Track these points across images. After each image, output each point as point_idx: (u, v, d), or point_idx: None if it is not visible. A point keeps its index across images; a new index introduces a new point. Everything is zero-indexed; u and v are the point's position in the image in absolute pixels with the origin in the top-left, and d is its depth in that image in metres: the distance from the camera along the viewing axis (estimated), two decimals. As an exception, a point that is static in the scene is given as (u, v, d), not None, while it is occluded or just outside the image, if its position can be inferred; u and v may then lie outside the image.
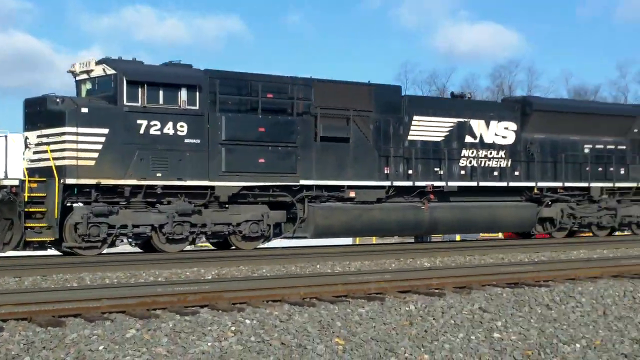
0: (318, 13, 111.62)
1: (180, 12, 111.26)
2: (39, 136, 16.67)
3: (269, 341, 7.83)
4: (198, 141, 17.30)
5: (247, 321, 8.39)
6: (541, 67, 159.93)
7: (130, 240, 17.89)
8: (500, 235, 28.45)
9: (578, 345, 9.00)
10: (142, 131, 16.67)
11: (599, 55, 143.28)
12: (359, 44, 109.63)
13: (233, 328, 8.09)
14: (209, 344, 7.53)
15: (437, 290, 10.57)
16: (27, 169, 16.31)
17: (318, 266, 14.41)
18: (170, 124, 16.93)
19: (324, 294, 9.98)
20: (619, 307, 10.62)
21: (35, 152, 16.66)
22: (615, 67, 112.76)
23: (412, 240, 24.12)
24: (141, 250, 18.64)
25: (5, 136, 16.41)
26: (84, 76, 17.57)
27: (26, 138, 16.84)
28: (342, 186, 19.20)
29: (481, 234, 29.73)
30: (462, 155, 21.21)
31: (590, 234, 24.19)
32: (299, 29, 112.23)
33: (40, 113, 16.72)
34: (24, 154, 16.64)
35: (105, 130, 16.36)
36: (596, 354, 8.81)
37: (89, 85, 17.56)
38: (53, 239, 16.08)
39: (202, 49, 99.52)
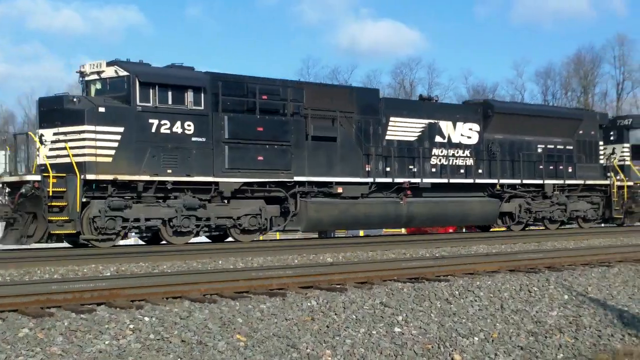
0: (218, 7, 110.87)
1: (76, 2, 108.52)
2: (55, 134, 17.38)
3: (169, 339, 7.70)
4: (203, 139, 18.45)
5: (146, 318, 8.23)
6: (442, 65, 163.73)
7: (137, 233, 19.25)
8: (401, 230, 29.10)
9: (476, 339, 9.24)
10: (153, 130, 17.76)
11: (497, 54, 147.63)
12: (261, 39, 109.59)
13: (131, 326, 7.92)
14: (106, 342, 7.35)
15: (339, 286, 10.62)
16: (42, 164, 17.12)
17: (220, 262, 14.27)
18: (178, 123, 18.06)
19: (225, 290, 9.88)
20: (515, 300, 10.96)
21: (51, 149, 17.34)
22: (512, 66, 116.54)
23: (316, 236, 24.25)
24: (143, 244, 19.92)
25: (27, 134, 17.68)
26: (94, 77, 18.30)
27: (41, 135, 17.48)
28: (331, 182, 20.65)
29: (384, 230, 31.08)
30: (433, 153, 23.02)
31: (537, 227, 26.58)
32: (199, 22, 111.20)
33: (57, 111, 17.46)
34: (38, 150, 17.47)
35: (121, 129, 17.40)
36: (493, 347, 9.08)
37: (98, 86, 18.32)
38: (74, 231, 16.86)
39: (99, 41, 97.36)
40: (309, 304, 9.55)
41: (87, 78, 18.49)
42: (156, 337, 7.69)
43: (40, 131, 17.63)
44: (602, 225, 29.32)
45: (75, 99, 17.34)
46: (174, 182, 18.03)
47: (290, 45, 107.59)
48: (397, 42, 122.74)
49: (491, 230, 26.52)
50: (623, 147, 28.23)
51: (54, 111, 17.58)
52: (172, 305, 8.92)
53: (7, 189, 17.59)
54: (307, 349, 8.05)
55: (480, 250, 17.54)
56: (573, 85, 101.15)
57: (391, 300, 10.11)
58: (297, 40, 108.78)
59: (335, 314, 9.29)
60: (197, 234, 19.05)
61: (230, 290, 9.92)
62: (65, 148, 17.05)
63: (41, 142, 17.44)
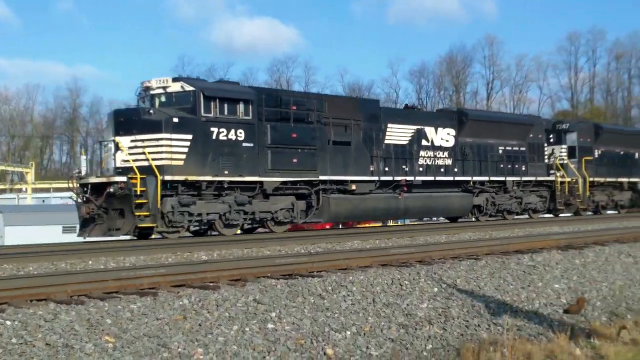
0: (89, 1, 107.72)
1: None
2: (132, 140, 19.79)
3: (32, 342, 7.49)
4: (251, 145, 21.39)
5: (8, 322, 7.97)
6: (318, 63, 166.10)
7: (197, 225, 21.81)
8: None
9: (349, 332, 9.46)
10: (214, 137, 20.56)
11: (373, 53, 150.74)
12: (135, 35, 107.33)
13: (-9, 330, 7.65)
14: (-37, 348, 7.07)
15: (212, 284, 10.60)
16: (119, 167, 19.74)
17: (90, 262, 13.93)
18: (232, 131, 20.94)
19: (93, 291, 9.68)
20: (387, 294, 11.26)
21: (129, 154, 19.67)
22: (387, 64, 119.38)
23: (190, 234, 24.15)
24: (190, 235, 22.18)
25: (113, 141, 19.90)
26: (160, 91, 20.87)
27: (117, 142, 19.83)
28: (347, 181, 23.91)
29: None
30: (421, 155, 26.52)
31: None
32: (70, 17, 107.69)
33: (134, 122, 20.03)
34: (115, 155, 19.87)
35: (190, 136, 20.13)
36: (365, 340, 9.32)
37: (163, 99, 20.85)
38: (155, 225, 19.62)
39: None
40: (180, 302, 9.49)
41: (152, 92, 20.96)
42: (19, 342, 7.46)
43: (117, 138, 19.89)
44: (547, 215, 33.03)
45: (151, 111, 20.10)
46: (229, 182, 20.89)
47: (165, 41, 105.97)
48: (273, 39, 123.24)
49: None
50: (561, 148, 33.32)
51: (132, 121, 20.07)
52: (37, 308, 8.65)
53: (84, 189, 20.04)
54: (178, 348, 8.01)
55: (354, 246, 17.87)
56: (445, 84, 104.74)
57: (264, 297, 10.18)
58: (171, 36, 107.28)
59: (208, 312, 9.28)
60: (242, 227, 22.51)
61: (99, 291, 9.74)
62: (142, 153, 19.57)
63: (118, 148, 19.78)
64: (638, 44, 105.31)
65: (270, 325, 9.18)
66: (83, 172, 21.14)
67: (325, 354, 8.71)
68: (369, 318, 10.12)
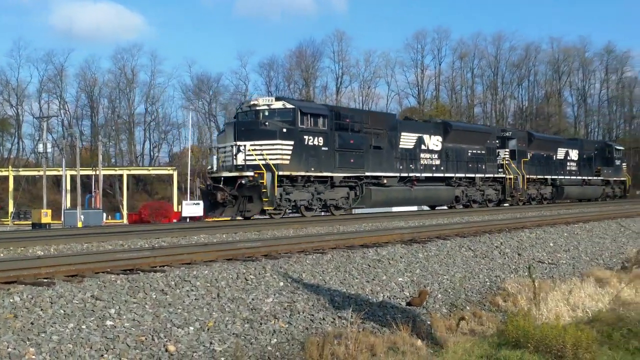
0: None
1: None
2: (252, 145, 26.36)
3: None
4: (326, 149, 28.38)
5: None
6: (165, 53, 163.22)
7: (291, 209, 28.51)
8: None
9: (192, 328, 9.38)
10: (305, 143, 27.47)
11: (221, 44, 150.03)
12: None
13: None
14: None
15: (46, 280, 10.21)
16: (240, 165, 26.17)
17: None
18: (316, 138, 27.92)
19: None
20: (232, 289, 11.25)
21: (248, 155, 26.23)
22: (236, 56, 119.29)
23: (30, 228, 23.44)
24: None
25: (235, 145, 26.29)
26: (264, 107, 27.59)
27: (239, 146, 26.32)
28: (381, 176, 31.44)
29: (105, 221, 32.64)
30: (421, 156, 34.47)
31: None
32: None
33: (253, 131, 26.78)
34: (236, 156, 26.24)
35: (292, 143, 26.94)
36: (209, 335, 9.28)
37: (266, 113, 27.44)
38: (272, 208, 26.37)
39: None
40: (11, 300, 9.06)
41: (257, 108, 27.72)
42: None
43: (238, 143, 26.40)
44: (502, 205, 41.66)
45: (266, 123, 26.70)
46: (314, 176, 27.90)
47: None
48: (118, 26, 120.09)
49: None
50: (505, 151, 41.96)
51: (251, 130, 26.85)
52: None
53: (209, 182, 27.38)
54: (8, 348, 7.67)
55: (200, 240, 17.73)
56: (295, 77, 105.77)
57: (103, 293, 9.91)
58: (7, 19, 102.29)
59: (42, 310, 8.92)
60: (315, 210, 28.91)
61: None
62: (261, 154, 26.16)
63: (239, 150, 26.20)
64: (481, 45, 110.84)
65: (109, 322, 8.96)
66: (214, 168, 27.31)
67: (166, 350, 8.60)
68: (213, 313, 10.08)
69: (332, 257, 14.26)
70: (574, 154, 50.29)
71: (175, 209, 58.63)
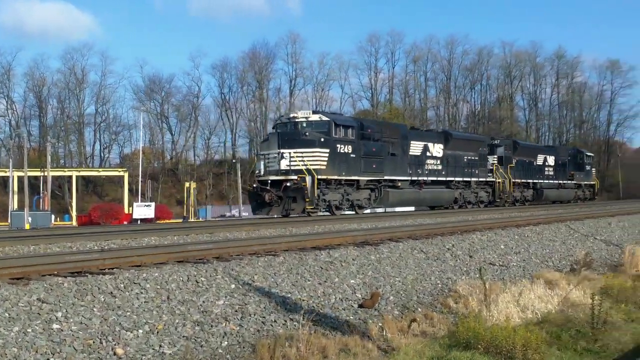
0: None
1: None
2: (294, 152, 30.13)
3: None
4: (354, 155, 32.43)
5: None
6: (116, 53, 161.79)
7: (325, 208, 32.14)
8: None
9: (141, 331, 9.28)
10: (338, 150, 31.45)
11: (174, 45, 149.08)
12: None
13: None
14: None
15: (-9, 283, 10.01)
16: (283, 169, 30.12)
17: None
18: (346, 147, 32.03)
19: None
20: (182, 291, 11.16)
21: (290, 161, 30.04)
22: (189, 57, 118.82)
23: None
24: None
25: (279, 152, 30.15)
26: (303, 119, 31.61)
27: (282, 153, 30.14)
28: (396, 179, 35.86)
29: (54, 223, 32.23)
30: (427, 162, 39.01)
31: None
32: None
33: (295, 140, 30.57)
34: (280, 162, 30.13)
35: (328, 150, 30.89)
36: (158, 338, 9.19)
37: (304, 125, 31.43)
38: (312, 207, 29.89)
39: None
40: (-46, 303, 8.89)
41: (297, 120, 31.80)
42: None
43: (282, 150, 30.23)
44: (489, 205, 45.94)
45: (307, 133, 30.75)
46: (345, 180, 32.09)
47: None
48: (67, 25, 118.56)
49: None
50: (494, 158, 46.51)
51: (294, 140, 30.66)
52: None
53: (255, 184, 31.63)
54: (-51, 352, 7.51)
55: (151, 242, 17.57)
56: (249, 79, 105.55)
57: (50, 295, 9.75)
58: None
59: (-15, 313, 8.76)
60: (343, 209, 32.89)
61: None
62: (302, 160, 30.03)
63: (282, 157, 30.06)
64: (434, 48, 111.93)
65: (55, 326, 8.82)
66: (262, 173, 31.07)
67: (115, 354, 8.50)
68: (163, 316, 9.99)
69: (285, 259, 14.24)
70: (551, 160, 55.03)
71: (126, 210, 58.10)
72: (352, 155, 32.14)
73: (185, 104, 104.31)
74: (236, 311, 10.82)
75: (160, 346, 8.97)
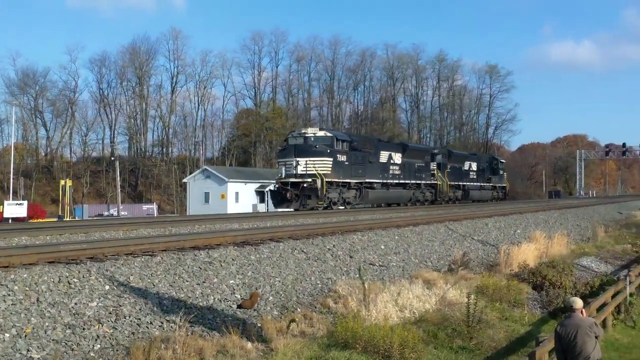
0: None
1: None
2: (308, 160, 38.34)
3: None
4: (348, 163, 40.73)
5: None
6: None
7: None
8: None
9: (7, 335, 8.99)
10: (338, 159, 39.68)
11: (49, 37, 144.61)
12: None
13: None
14: None
15: None
16: (299, 174, 38.23)
17: None
18: (342, 156, 40.23)
19: None
20: (53, 293, 10.83)
21: (304, 168, 38.11)
22: (65, 51, 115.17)
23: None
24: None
25: (295, 160, 38.41)
26: (311, 134, 39.93)
27: (298, 161, 38.34)
28: (373, 182, 43.91)
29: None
30: (391, 168, 46.95)
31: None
32: None
33: (307, 150, 38.82)
34: (296, 168, 38.25)
35: (331, 159, 39.10)
36: (26, 342, 8.91)
37: (312, 139, 39.56)
38: (325, 204, 38.43)
39: None
40: None
41: (306, 135, 39.68)
42: None
43: (297, 159, 38.23)
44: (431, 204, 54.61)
45: (317, 145, 38.88)
46: (341, 182, 39.90)
47: None
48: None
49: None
50: (434, 164, 54.85)
51: (306, 150, 38.65)
52: None
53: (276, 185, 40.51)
54: None
55: (22, 242, 16.98)
56: (129, 75, 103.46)
57: None
58: None
59: None
60: (339, 205, 40.66)
61: None
62: (313, 167, 37.81)
63: (297, 164, 37.96)
64: (318, 48, 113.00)
65: None
66: (283, 176, 38.53)
67: (-23, 359, 8.19)
68: (32, 319, 9.68)
69: (162, 260, 14.05)
70: (474, 166, 64.51)
71: (-5, 209, 55.83)
72: (346, 163, 40.73)
73: (61, 99, 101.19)
74: (110, 313, 10.61)
75: (28, 350, 8.71)
